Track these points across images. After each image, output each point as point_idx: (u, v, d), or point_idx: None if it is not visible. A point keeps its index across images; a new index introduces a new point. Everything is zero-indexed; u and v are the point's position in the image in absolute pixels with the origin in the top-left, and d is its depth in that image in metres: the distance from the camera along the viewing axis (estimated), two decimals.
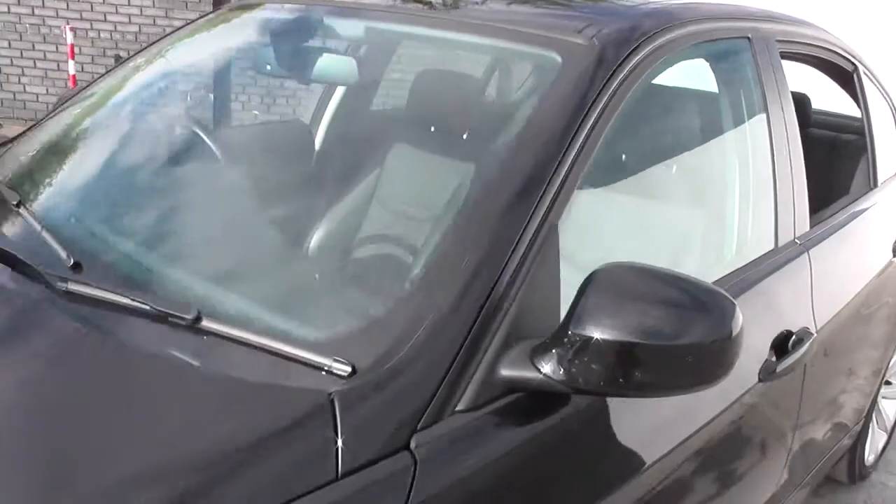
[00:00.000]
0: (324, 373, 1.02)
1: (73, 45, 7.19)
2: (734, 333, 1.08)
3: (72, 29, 7.18)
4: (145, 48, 2.23)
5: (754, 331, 1.51)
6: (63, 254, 1.31)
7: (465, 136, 1.39)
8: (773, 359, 1.63)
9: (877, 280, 2.32)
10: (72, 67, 7.26)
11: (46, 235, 1.39)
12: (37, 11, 7.40)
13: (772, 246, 1.77)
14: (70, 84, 7.33)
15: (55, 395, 1.05)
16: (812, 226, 1.95)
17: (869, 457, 2.94)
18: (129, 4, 7.36)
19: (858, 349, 2.30)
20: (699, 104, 1.83)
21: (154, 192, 1.66)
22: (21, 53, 7.52)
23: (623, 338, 1.04)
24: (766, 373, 1.60)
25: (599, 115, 1.30)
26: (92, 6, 7.36)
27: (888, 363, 2.76)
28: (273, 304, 1.20)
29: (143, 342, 1.14)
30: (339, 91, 1.99)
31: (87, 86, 2.17)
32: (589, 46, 1.40)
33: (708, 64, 1.75)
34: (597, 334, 1.04)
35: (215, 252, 1.40)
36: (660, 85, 1.54)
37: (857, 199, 2.34)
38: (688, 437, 1.41)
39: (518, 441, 1.10)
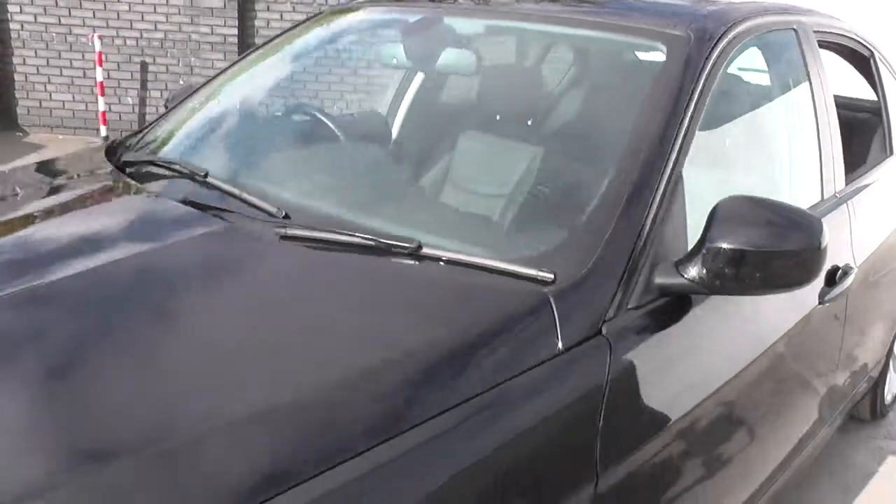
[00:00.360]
0: (532, 280, 1.41)
1: (100, 53, 7.52)
2: (822, 245, 1.48)
3: (100, 37, 7.50)
4: (268, 42, 2.57)
5: None
6: (273, 209, 1.68)
7: (606, 108, 1.79)
8: (826, 287, 2.04)
9: None
10: (99, 74, 7.57)
11: (248, 196, 1.75)
12: (63, 21, 7.70)
13: (819, 198, 2.18)
14: (98, 91, 7.65)
15: (310, 316, 1.38)
16: (847, 184, 2.36)
17: (887, 396, 3.37)
18: (154, 12, 7.68)
19: (883, 293, 2.72)
20: (763, 83, 2.24)
21: (323, 155, 2.04)
22: (47, 62, 7.81)
23: (743, 247, 1.43)
24: (822, 297, 2.01)
25: (701, 90, 1.71)
26: (118, 14, 7.68)
27: None
28: (480, 235, 1.58)
29: (374, 269, 1.50)
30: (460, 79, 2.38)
31: (216, 76, 2.52)
32: (686, 38, 1.80)
33: (766, 49, 2.16)
34: (724, 245, 1.44)
35: (398, 199, 1.78)
36: (736, 67, 1.95)
37: (877, 164, 2.76)
38: (773, 343, 1.82)
39: (668, 332, 1.50)
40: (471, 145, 1.89)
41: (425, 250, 1.50)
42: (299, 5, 7.77)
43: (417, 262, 1.50)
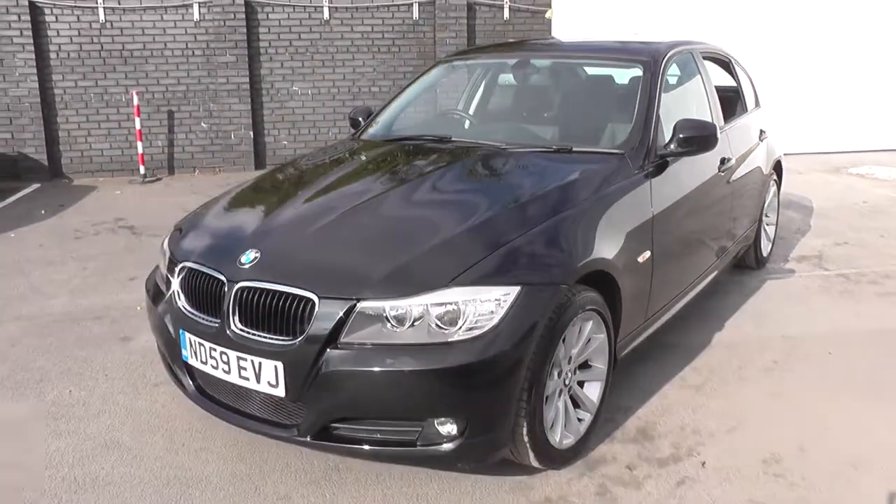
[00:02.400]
0: (616, 154, 4.25)
1: (138, 106, 10.00)
2: (717, 133, 4.40)
3: (137, 93, 9.99)
4: (419, 76, 5.41)
5: (715, 153, 4.83)
6: (500, 144, 4.48)
7: (620, 97, 4.73)
8: (721, 165, 5.00)
9: (754, 148, 5.80)
10: (137, 124, 10.04)
11: (483, 142, 4.56)
12: (100, 83, 10.14)
13: None
14: (137, 137, 10.10)
15: (535, 169, 4.19)
16: (725, 124, 5.37)
17: (763, 252, 6.43)
18: (177, 69, 10.24)
19: (748, 181, 5.73)
20: (683, 78, 5.21)
21: (504, 120, 4.93)
22: (87, 118, 10.21)
23: (689, 134, 4.33)
24: (719, 169, 4.97)
25: (661, 84, 4.63)
26: (147, 74, 10.19)
27: (764, 202, 6.23)
28: (595, 141, 4.45)
29: (552, 155, 4.32)
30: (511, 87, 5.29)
31: (395, 95, 5.31)
32: (649, 61, 4.72)
33: (679, 64, 5.13)
34: (682, 135, 4.34)
35: (552, 132, 4.65)
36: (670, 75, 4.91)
37: (739, 116, 5.83)
38: (702, 182, 4.74)
39: (664, 172, 4.37)
40: (577, 110, 4.82)
41: (574, 148, 4.34)
42: (296, 55, 10.51)
43: (571, 153, 4.33)
